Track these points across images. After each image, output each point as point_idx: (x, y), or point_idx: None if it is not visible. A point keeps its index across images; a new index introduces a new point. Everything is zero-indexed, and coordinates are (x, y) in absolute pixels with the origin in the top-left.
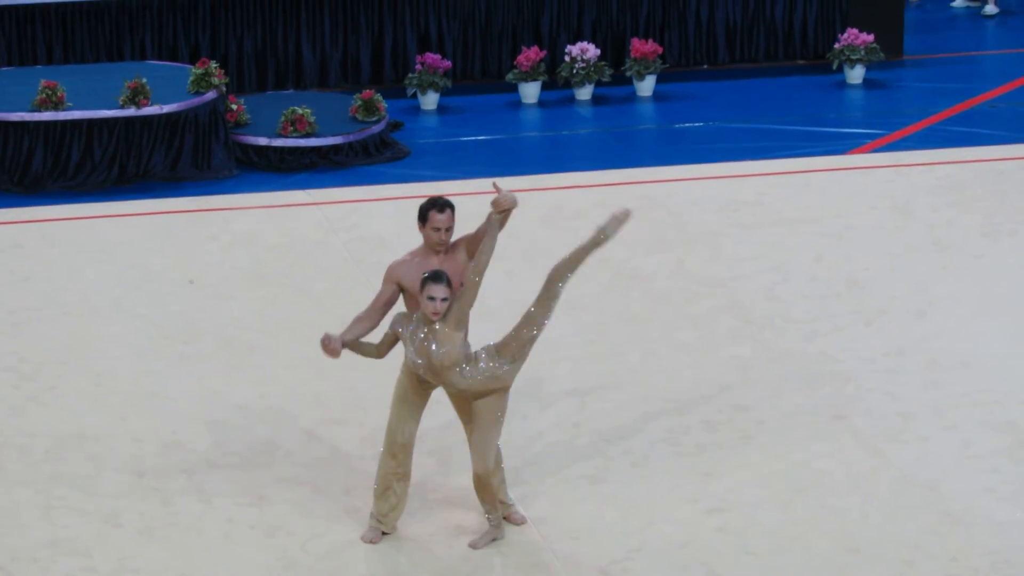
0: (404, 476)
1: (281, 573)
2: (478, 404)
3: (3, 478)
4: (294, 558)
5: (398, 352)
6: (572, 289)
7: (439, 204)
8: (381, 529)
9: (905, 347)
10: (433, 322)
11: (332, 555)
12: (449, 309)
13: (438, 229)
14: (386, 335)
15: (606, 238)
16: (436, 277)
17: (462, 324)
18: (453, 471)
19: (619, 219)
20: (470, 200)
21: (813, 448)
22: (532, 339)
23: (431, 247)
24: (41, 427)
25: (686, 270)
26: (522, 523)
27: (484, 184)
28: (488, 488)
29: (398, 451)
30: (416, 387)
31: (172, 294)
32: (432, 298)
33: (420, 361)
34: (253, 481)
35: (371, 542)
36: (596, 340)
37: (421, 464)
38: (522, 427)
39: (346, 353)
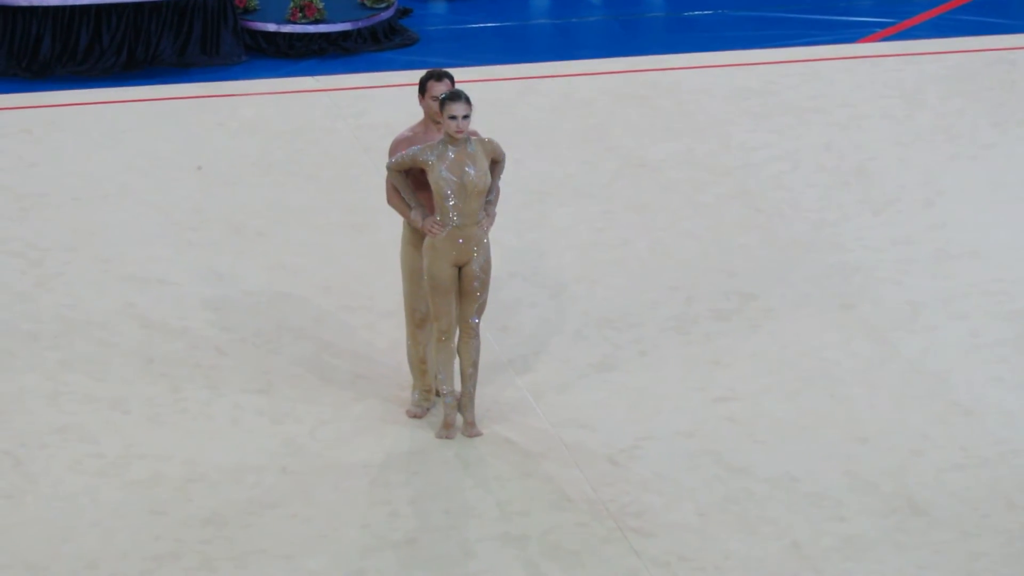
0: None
1: (288, 460)
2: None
3: (11, 364)
4: (301, 445)
5: (397, 228)
6: (579, 177)
7: (436, 74)
8: (425, 405)
9: (913, 236)
10: (465, 144)
11: (339, 442)
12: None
13: (454, 117)
14: (402, 157)
15: None
16: (455, 96)
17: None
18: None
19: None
20: (479, 87)
21: (821, 337)
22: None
23: (435, 124)
24: (49, 313)
25: (694, 158)
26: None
27: (493, 71)
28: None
29: (420, 322)
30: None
31: (180, 180)
32: (454, 117)
33: (453, 179)
34: (261, 368)
35: (415, 416)
36: (604, 228)
37: None
38: (530, 315)
39: (352, 238)
